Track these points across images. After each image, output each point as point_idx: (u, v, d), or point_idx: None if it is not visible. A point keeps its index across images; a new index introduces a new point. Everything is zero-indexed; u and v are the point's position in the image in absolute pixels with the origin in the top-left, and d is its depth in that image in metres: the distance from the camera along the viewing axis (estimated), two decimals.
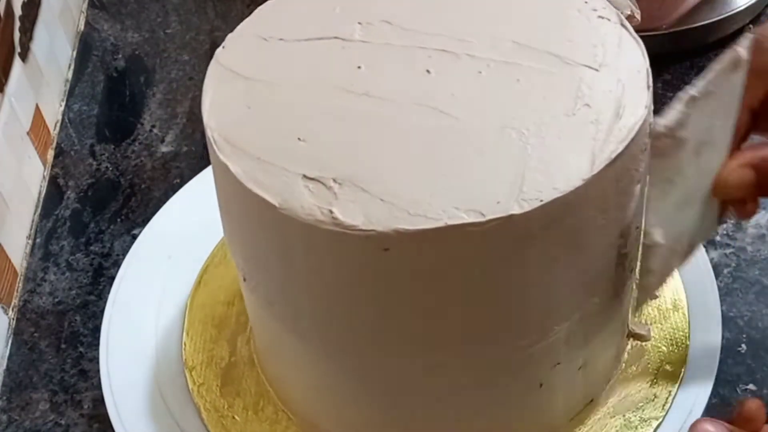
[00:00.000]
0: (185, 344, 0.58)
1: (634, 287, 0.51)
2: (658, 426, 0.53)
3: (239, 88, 0.46)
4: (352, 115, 0.44)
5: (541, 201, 0.40)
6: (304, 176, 0.41)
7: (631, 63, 0.45)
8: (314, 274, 0.44)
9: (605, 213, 0.43)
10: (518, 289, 0.43)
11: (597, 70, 0.44)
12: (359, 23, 0.47)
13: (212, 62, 0.47)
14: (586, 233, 0.43)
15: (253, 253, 0.47)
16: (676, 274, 0.56)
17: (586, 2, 0.47)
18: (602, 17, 0.47)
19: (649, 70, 0.45)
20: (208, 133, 0.44)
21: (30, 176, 0.70)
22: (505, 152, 0.42)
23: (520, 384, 0.48)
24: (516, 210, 0.39)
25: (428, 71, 0.45)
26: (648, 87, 0.44)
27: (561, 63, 0.45)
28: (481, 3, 0.48)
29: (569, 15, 0.47)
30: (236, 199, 0.44)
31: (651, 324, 0.56)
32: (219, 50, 0.48)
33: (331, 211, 0.40)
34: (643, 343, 0.55)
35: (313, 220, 0.40)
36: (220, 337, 0.58)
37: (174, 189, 0.67)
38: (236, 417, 0.54)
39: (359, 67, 0.45)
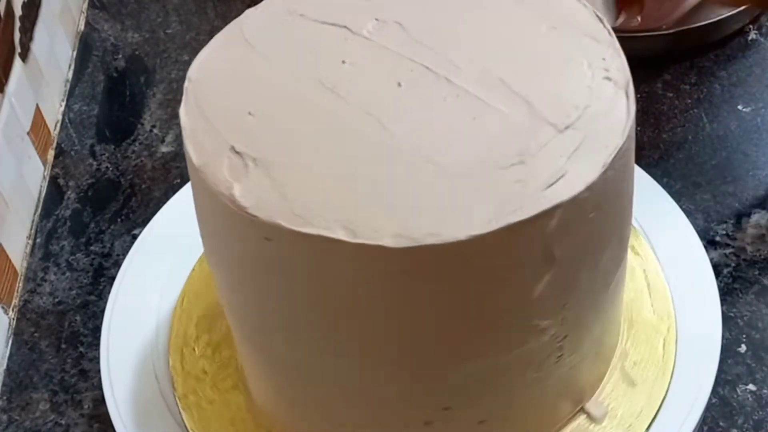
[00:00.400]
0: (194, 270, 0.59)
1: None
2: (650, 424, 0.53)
3: (237, 53, 0.47)
4: (308, 106, 0.44)
5: (413, 242, 0.39)
6: (232, 148, 0.42)
7: (605, 135, 0.42)
8: (219, 245, 0.45)
9: (501, 279, 0.42)
10: (381, 312, 0.43)
11: (560, 131, 0.42)
12: (376, 19, 0.47)
13: (230, 24, 0.48)
14: (474, 288, 0.42)
15: (197, 212, 0.48)
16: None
17: (603, 59, 0.45)
18: (609, 78, 0.44)
19: (627, 148, 0.43)
20: (186, 83, 0.45)
21: (30, 176, 0.70)
22: (417, 184, 0.41)
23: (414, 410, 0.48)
24: (386, 243, 0.39)
25: (399, 84, 0.44)
26: (603, 166, 0.41)
27: (529, 113, 0.43)
28: (501, 35, 0.47)
29: (574, 67, 0.45)
30: (185, 153, 0.46)
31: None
32: (242, 16, 0.48)
33: (231, 187, 0.41)
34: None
35: (217, 190, 0.41)
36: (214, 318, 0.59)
37: (174, 189, 0.67)
38: (195, 348, 0.56)
39: (344, 62, 0.45)
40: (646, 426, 0.53)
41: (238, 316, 0.49)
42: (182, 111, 0.44)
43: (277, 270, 0.43)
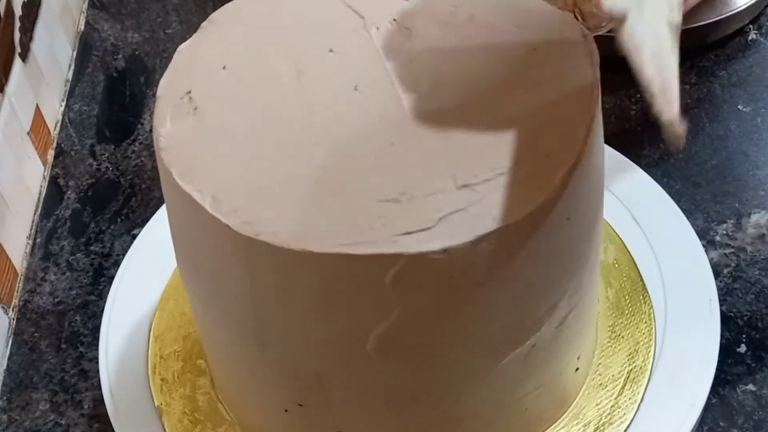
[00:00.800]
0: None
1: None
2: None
3: (236, 34, 0.47)
4: (272, 81, 0.44)
5: (253, 234, 0.39)
6: (188, 92, 0.44)
7: (499, 209, 0.39)
8: (174, 226, 0.47)
9: (337, 304, 0.42)
10: (231, 295, 0.44)
11: (458, 187, 0.40)
12: (394, 20, 0.46)
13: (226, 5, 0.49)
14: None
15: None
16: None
17: (562, 133, 0.42)
18: (548, 155, 0.41)
19: (519, 230, 0.39)
20: (178, 50, 0.47)
21: (30, 176, 0.70)
22: (302, 185, 0.41)
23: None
24: (231, 223, 0.40)
25: (356, 88, 0.44)
26: (473, 236, 0.39)
27: (443, 158, 0.41)
28: (493, 72, 0.44)
29: (530, 130, 0.41)
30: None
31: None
32: None
33: (164, 124, 0.43)
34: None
35: (155, 123, 0.43)
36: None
37: None
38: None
39: (331, 51, 0.45)
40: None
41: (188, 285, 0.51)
42: (181, 46, 0.46)
43: (171, 211, 0.45)
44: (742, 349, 0.59)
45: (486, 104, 0.43)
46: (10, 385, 0.61)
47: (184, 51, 0.47)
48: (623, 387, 0.55)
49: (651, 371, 0.55)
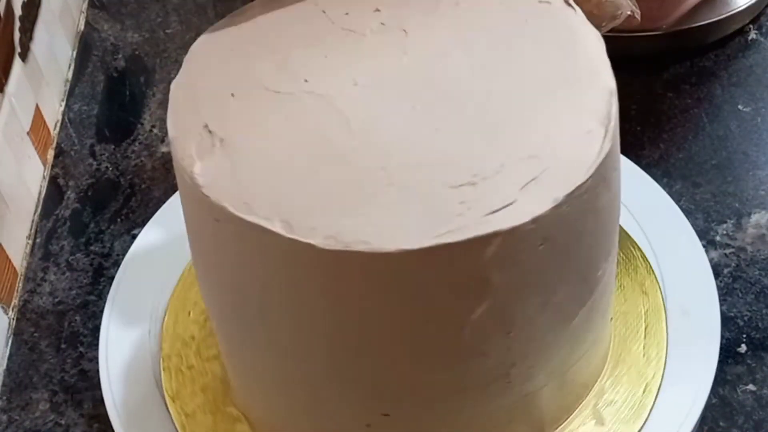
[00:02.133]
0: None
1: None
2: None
3: (235, 36, 0.47)
4: (286, 97, 0.44)
5: (342, 246, 0.39)
6: (206, 126, 0.43)
7: (567, 170, 0.41)
8: (186, 218, 0.46)
9: (432, 298, 0.42)
10: (308, 310, 0.43)
11: (521, 158, 0.41)
12: (382, 24, 0.47)
13: (234, 12, 0.48)
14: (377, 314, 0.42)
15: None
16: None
17: (591, 91, 0.43)
18: (590, 112, 0.43)
19: (590, 187, 0.41)
20: (186, 56, 0.46)
21: (30, 176, 0.70)
22: (365, 189, 0.41)
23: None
24: (316, 242, 0.39)
25: (378, 87, 0.44)
26: (555, 201, 0.40)
27: (494, 134, 0.42)
28: (497, 52, 0.45)
29: (559, 96, 0.43)
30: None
31: None
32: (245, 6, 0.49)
33: (194, 164, 0.42)
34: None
35: (182, 164, 0.42)
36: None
37: (174, 189, 0.67)
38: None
39: (326, 57, 0.45)
40: None
41: (201, 290, 0.50)
42: (174, 83, 0.45)
43: (222, 251, 0.44)
44: (742, 349, 0.59)
45: (510, 84, 0.44)
46: (10, 385, 0.61)
47: (180, 85, 0.45)
48: None
49: None
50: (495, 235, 0.39)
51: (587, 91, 0.43)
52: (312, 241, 0.39)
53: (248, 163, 0.42)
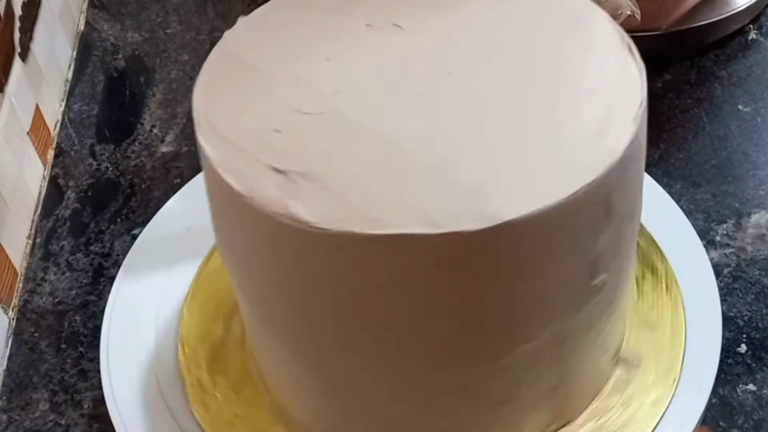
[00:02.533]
0: (183, 315, 0.58)
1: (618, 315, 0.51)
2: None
3: (233, 72, 0.46)
4: (323, 117, 0.44)
5: (494, 221, 0.39)
6: (273, 168, 0.42)
7: (625, 93, 0.44)
8: (275, 267, 0.45)
9: (573, 241, 0.42)
10: (474, 306, 0.43)
11: (587, 93, 0.44)
12: (368, 24, 0.47)
13: (217, 45, 0.48)
14: (548, 258, 0.42)
15: (226, 238, 0.47)
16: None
17: (598, 29, 0.46)
18: (612, 43, 0.46)
19: (644, 103, 0.44)
20: (194, 114, 0.45)
21: (30, 176, 0.70)
22: (471, 166, 0.41)
23: (481, 400, 0.48)
24: (471, 227, 0.39)
25: (382, 83, 0.44)
26: (635, 121, 0.43)
27: (550, 82, 0.45)
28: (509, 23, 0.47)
29: (578, 39, 0.46)
30: (212, 184, 0.45)
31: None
32: (226, 34, 0.48)
33: (288, 206, 0.41)
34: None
35: (273, 212, 0.41)
36: (217, 314, 0.58)
37: (174, 189, 0.67)
38: (218, 395, 0.55)
39: (328, 59, 0.45)
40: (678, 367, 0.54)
41: (281, 330, 0.48)
42: (202, 140, 0.43)
43: (346, 280, 0.42)
44: (742, 349, 0.59)
45: (529, 74, 0.45)
46: (10, 385, 0.61)
47: (203, 112, 0.44)
48: None
49: None
50: (615, 161, 0.41)
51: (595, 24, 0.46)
52: (463, 228, 0.39)
53: (342, 186, 0.41)
